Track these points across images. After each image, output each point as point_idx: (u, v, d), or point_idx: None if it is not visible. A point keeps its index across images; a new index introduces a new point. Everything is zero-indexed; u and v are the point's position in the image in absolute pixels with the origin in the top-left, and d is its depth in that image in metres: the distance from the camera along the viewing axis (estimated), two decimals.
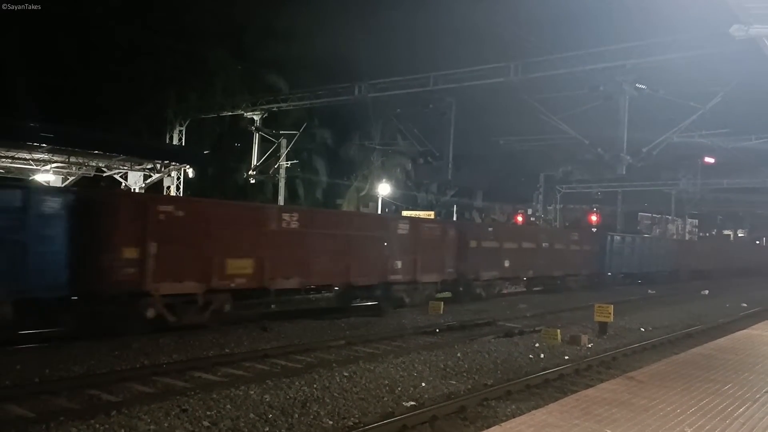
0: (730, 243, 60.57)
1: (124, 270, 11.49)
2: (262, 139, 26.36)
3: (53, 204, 10.95)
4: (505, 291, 23.48)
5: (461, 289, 20.56)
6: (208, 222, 12.95)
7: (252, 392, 8.29)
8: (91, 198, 11.95)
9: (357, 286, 16.67)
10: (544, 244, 24.83)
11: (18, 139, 17.96)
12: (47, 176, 21.15)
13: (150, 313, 11.87)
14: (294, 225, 14.80)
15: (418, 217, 24.88)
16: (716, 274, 38.48)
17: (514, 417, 6.87)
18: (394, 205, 35.55)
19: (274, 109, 25.43)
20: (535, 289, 25.41)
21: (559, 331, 13.11)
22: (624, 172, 22.02)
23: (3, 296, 9.96)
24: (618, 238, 31.27)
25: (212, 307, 13.02)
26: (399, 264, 17.71)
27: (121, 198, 13.60)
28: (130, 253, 11.60)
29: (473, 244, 20.85)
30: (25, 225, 10.48)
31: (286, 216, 14.77)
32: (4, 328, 10.28)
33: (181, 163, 23.78)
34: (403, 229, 18.24)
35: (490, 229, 23.42)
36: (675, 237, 50.91)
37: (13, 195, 10.45)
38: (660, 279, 32.89)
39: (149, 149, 23.29)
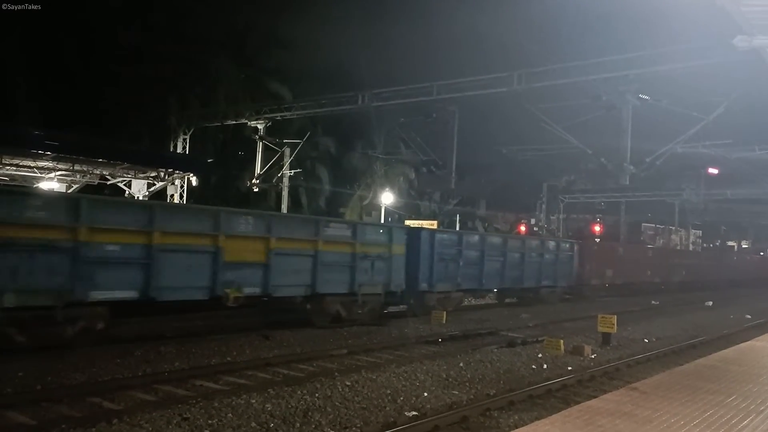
0: None
1: (585, 274, 26.27)
2: (265, 148, 26.42)
3: (568, 246, 25.51)
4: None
5: (662, 287, 33.61)
6: (600, 251, 29.04)
7: (254, 401, 8.26)
8: (579, 243, 26.90)
9: (630, 282, 30.62)
10: (695, 261, 40.74)
11: (23, 147, 18.00)
12: (51, 184, 21.16)
13: (586, 293, 26.30)
14: (621, 252, 31.21)
15: (656, 247, 41.98)
16: None
17: (516, 428, 6.86)
18: (396, 214, 35.48)
19: (278, 117, 25.49)
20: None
21: (561, 341, 13.05)
22: (627, 182, 22.03)
23: (558, 284, 24.02)
24: (731, 255, 51.51)
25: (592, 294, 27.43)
26: (649, 272, 32.81)
27: (579, 241, 28.02)
28: (588, 265, 26.57)
29: (670, 260, 36.37)
30: (542, 256, 23.32)
31: (619, 247, 32.46)
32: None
33: (184, 172, 23.80)
34: (649, 252, 35.83)
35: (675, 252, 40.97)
36: (679, 248, 50.87)
37: (557, 244, 25.37)
38: (751, 284, 43.54)
39: (153, 157, 23.28)
